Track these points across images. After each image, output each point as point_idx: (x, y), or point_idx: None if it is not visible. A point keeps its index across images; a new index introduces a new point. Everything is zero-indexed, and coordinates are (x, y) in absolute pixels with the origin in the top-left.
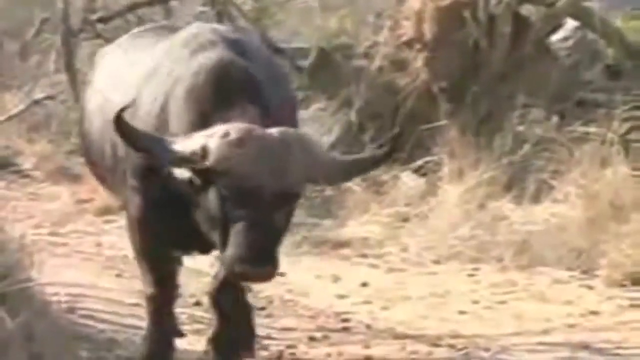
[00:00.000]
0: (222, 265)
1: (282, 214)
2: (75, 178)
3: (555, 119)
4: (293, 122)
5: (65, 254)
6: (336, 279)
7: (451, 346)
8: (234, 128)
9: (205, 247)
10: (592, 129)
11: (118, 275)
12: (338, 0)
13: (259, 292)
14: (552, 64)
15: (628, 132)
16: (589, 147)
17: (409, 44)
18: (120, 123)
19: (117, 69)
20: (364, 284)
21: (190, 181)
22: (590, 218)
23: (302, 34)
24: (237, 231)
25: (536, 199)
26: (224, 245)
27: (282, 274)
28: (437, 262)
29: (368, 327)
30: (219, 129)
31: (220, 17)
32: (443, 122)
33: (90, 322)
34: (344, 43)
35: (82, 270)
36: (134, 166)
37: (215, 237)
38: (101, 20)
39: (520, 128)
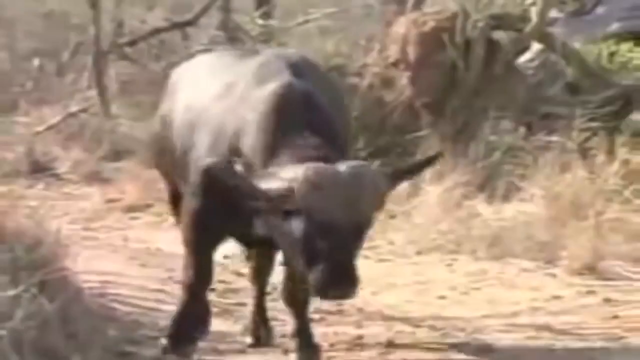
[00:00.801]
0: (311, 287)
1: (358, 240)
2: (105, 180)
3: (522, 129)
4: (349, 138)
5: (96, 247)
6: None
7: (432, 327)
8: (312, 169)
9: (255, 243)
10: (554, 138)
11: (142, 265)
12: (334, 26)
13: None
14: (520, 82)
15: (585, 140)
16: (551, 154)
17: (395, 64)
18: (213, 172)
19: (198, 85)
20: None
21: (270, 210)
22: (552, 215)
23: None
24: (322, 260)
25: (506, 198)
26: (308, 269)
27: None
28: (419, 253)
29: (360, 310)
30: (298, 170)
31: (231, 41)
32: (425, 132)
33: (118, 306)
34: (339, 63)
35: (111, 261)
36: (198, 171)
37: (296, 259)
38: (127, 43)
39: (492, 137)
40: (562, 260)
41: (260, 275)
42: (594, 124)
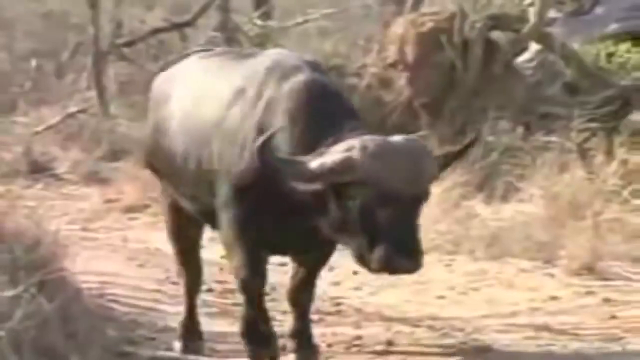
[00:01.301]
0: (374, 263)
1: (419, 212)
2: (104, 181)
3: (520, 129)
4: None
5: (94, 247)
6: (331, 268)
7: (430, 327)
8: (369, 140)
9: (294, 249)
10: (553, 138)
11: (140, 266)
12: (332, 26)
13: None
14: (518, 82)
15: (584, 141)
16: (550, 154)
17: (393, 65)
18: (263, 151)
19: (197, 91)
20: (355, 273)
21: (319, 192)
22: (551, 215)
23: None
24: (386, 232)
25: (504, 199)
26: (370, 247)
27: (284, 264)
28: None
29: (358, 310)
30: (355, 142)
31: (229, 42)
32: (424, 132)
33: (117, 306)
34: (338, 64)
35: (110, 261)
36: (232, 179)
37: (344, 239)
38: (126, 44)
39: (491, 138)
40: (561, 260)
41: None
42: (592, 124)
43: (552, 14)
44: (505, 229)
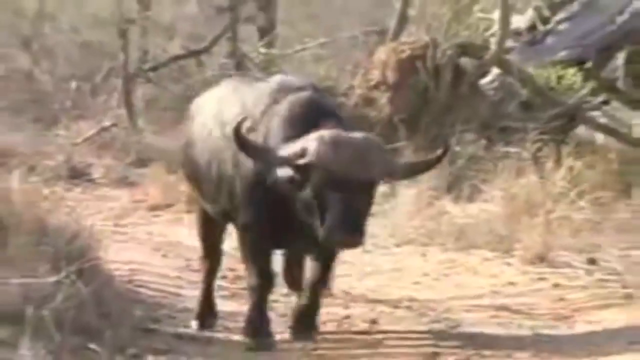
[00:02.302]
0: (322, 237)
1: (364, 198)
2: (132, 184)
3: (483, 140)
4: None
5: (124, 240)
6: None
7: (408, 308)
8: (326, 132)
9: (301, 246)
10: (510, 148)
11: (164, 256)
12: (325, 54)
13: None
14: (482, 101)
15: (537, 150)
16: (508, 161)
17: (376, 86)
18: (238, 135)
19: (218, 109)
20: (344, 262)
21: (291, 179)
22: (509, 213)
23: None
24: (333, 210)
25: (470, 199)
26: (321, 223)
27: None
28: (397, 245)
29: (347, 293)
30: (314, 134)
31: (238, 66)
32: (402, 143)
33: (143, 290)
34: (329, 85)
35: (137, 252)
36: (245, 183)
37: (312, 220)
38: (151, 69)
39: (458, 147)
40: (518, 251)
41: (298, 283)
42: (544, 136)
43: (510, 43)
44: (470, 224)
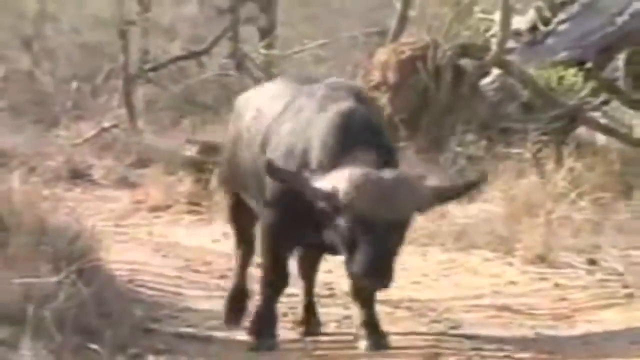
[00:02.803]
0: (349, 273)
1: (395, 238)
2: (132, 185)
3: (484, 141)
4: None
5: (125, 240)
6: (325, 259)
7: (408, 308)
8: (357, 172)
9: (320, 247)
10: (511, 149)
11: (164, 256)
12: (325, 54)
13: None
14: (482, 101)
15: (538, 151)
16: (509, 162)
17: (377, 87)
18: (271, 168)
19: (261, 108)
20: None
21: (323, 209)
22: (510, 214)
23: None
24: (362, 251)
25: (471, 199)
26: (349, 260)
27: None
28: None
29: (347, 293)
30: (344, 173)
31: (239, 67)
32: (403, 144)
33: (144, 290)
34: None
35: (137, 252)
36: (271, 186)
37: (343, 250)
38: (151, 69)
39: (459, 148)
40: (518, 251)
41: (309, 273)
42: (544, 137)
43: (511, 44)
44: (471, 224)
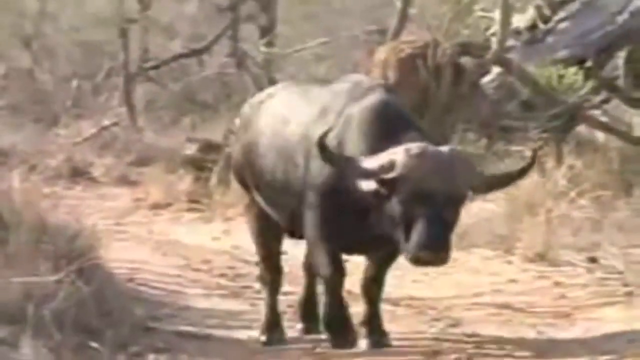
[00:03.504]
0: (406, 253)
1: (451, 212)
2: (132, 183)
3: (484, 140)
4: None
5: (125, 239)
6: None
7: (409, 306)
8: (414, 146)
9: (367, 251)
10: (511, 147)
11: (164, 255)
12: (326, 53)
13: None
14: (483, 100)
15: (538, 149)
16: (509, 161)
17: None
18: (324, 148)
19: (283, 112)
20: (346, 261)
21: (376, 192)
22: (510, 212)
23: (299, 78)
24: (418, 225)
25: (471, 198)
26: (406, 238)
27: (285, 253)
28: None
29: (349, 292)
30: (401, 147)
31: (239, 66)
32: None
33: (144, 289)
34: None
35: (138, 251)
36: (315, 188)
37: (396, 235)
38: (152, 68)
39: (459, 147)
40: (518, 249)
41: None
42: (545, 135)
43: (511, 42)
44: (471, 223)
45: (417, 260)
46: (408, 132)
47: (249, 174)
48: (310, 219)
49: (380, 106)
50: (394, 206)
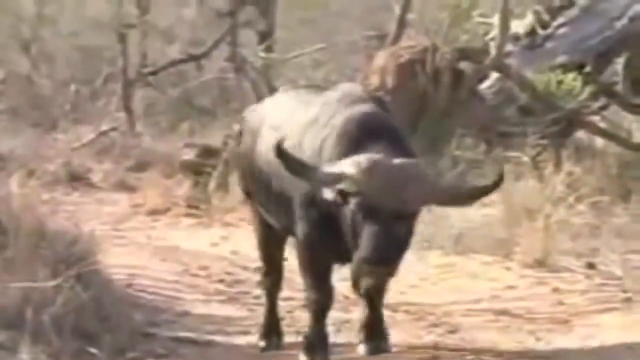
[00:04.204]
0: (353, 265)
1: (401, 227)
2: (131, 188)
3: (482, 145)
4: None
5: (123, 244)
6: None
7: (407, 311)
8: (364, 157)
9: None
10: (510, 153)
11: (163, 260)
12: (324, 58)
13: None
14: (481, 105)
15: (536, 155)
16: (507, 166)
17: (375, 91)
18: (280, 150)
19: (281, 120)
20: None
21: (334, 201)
22: (509, 217)
23: (298, 84)
24: (364, 239)
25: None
26: (355, 248)
27: (285, 259)
28: None
29: (346, 297)
30: (354, 158)
31: (238, 71)
32: None
33: (142, 294)
34: None
35: (136, 256)
36: (301, 197)
37: (349, 245)
38: (150, 73)
39: (457, 152)
40: (517, 255)
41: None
42: (543, 141)
43: (509, 47)
44: (470, 228)
45: (357, 274)
46: (378, 143)
47: (251, 182)
48: (299, 236)
49: (360, 117)
50: (347, 216)
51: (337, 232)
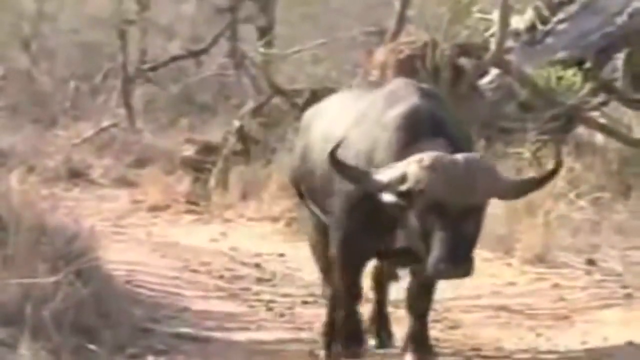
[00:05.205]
0: (427, 266)
1: (470, 223)
2: (131, 184)
3: (483, 141)
4: (468, 144)
5: (123, 240)
6: None
7: None
8: (426, 155)
9: (402, 259)
10: (510, 148)
11: (163, 256)
12: (324, 54)
13: (266, 267)
14: (481, 101)
15: (537, 150)
16: (508, 162)
17: (376, 86)
18: (334, 159)
19: (333, 117)
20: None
21: (395, 203)
22: (509, 213)
23: (298, 79)
24: (437, 239)
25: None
26: (426, 252)
27: (282, 255)
28: None
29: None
30: (414, 157)
31: (237, 67)
32: None
33: (142, 290)
34: (329, 86)
35: (136, 252)
36: (343, 195)
37: (418, 247)
38: (150, 69)
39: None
40: (517, 251)
41: (382, 285)
42: (543, 137)
43: (509, 43)
44: None
45: (437, 274)
46: (433, 139)
47: (305, 181)
48: (334, 235)
49: (410, 113)
50: (413, 218)
51: (381, 230)
